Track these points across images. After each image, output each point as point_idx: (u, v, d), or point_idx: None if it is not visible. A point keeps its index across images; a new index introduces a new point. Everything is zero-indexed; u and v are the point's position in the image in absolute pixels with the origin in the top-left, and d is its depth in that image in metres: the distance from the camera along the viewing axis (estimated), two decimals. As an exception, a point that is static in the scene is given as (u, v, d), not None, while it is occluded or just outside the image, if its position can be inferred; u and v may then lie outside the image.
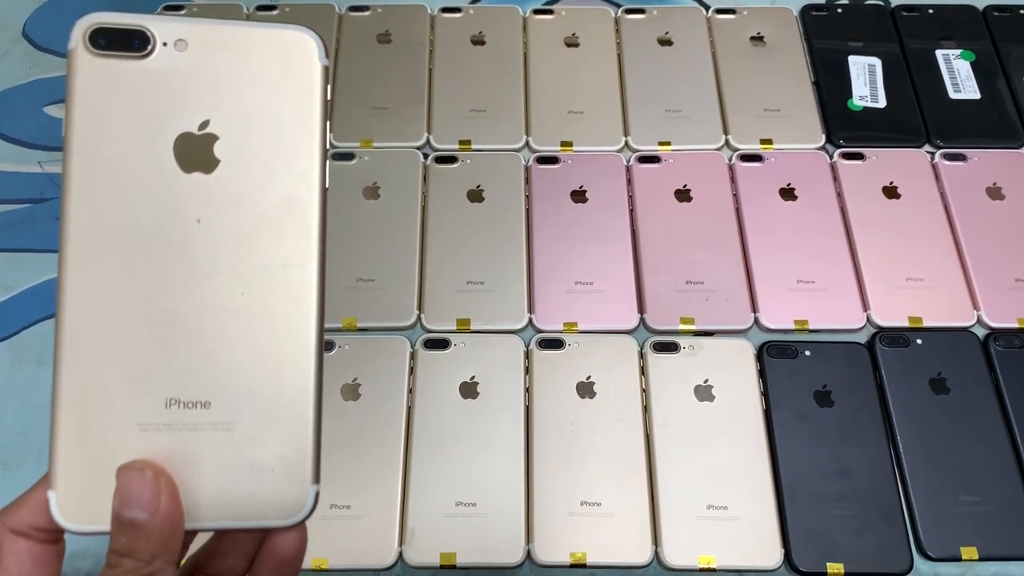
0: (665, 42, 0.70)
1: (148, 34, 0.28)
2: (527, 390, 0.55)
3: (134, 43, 0.28)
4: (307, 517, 0.28)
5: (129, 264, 0.28)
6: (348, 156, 0.64)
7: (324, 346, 0.29)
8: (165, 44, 0.28)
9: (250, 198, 0.28)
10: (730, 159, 0.65)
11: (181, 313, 0.28)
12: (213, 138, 0.28)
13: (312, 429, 0.28)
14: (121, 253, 0.28)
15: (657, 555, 0.51)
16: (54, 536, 0.28)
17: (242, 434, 0.28)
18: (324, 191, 0.29)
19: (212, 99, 0.28)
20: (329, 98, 0.29)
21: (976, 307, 0.58)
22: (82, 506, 0.27)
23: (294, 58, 0.29)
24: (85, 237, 0.27)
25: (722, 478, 0.52)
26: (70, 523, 0.27)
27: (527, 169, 0.64)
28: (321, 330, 0.29)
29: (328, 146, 0.30)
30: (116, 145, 0.28)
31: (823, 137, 0.66)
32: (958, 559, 0.51)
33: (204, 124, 0.28)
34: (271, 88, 0.29)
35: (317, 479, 0.28)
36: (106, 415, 0.27)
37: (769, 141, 0.65)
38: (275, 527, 0.28)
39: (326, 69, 0.29)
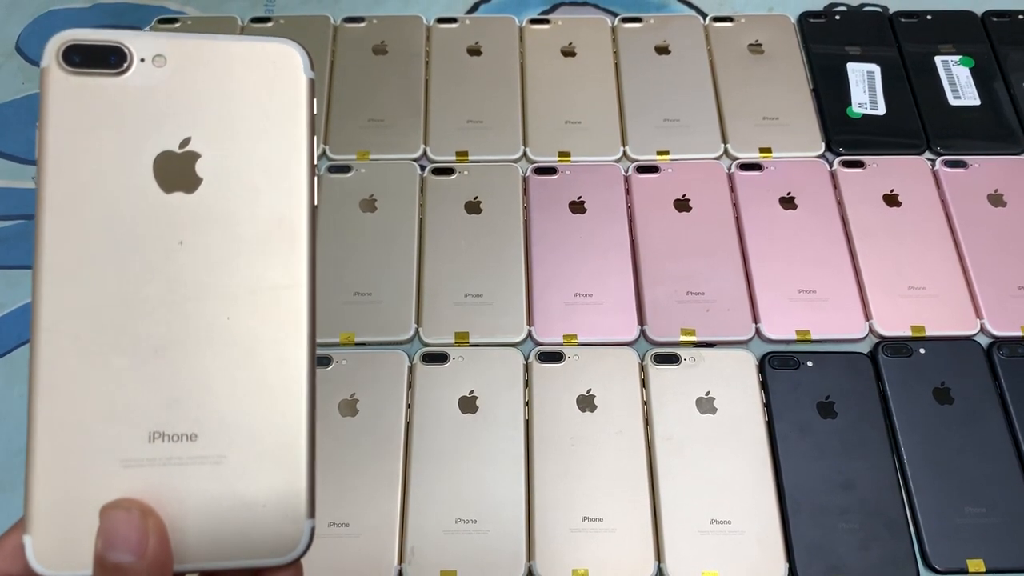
0: (663, 51, 0.70)
1: (124, 50, 0.27)
2: (527, 404, 0.55)
3: (110, 59, 0.27)
4: (303, 554, 0.27)
5: (108, 290, 0.26)
6: (344, 169, 0.63)
7: (317, 370, 0.28)
8: (143, 60, 0.27)
9: (235, 218, 0.27)
10: (729, 168, 0.64)
11: (164, 340, 0.26)
12: (195, 156, 0.27)
13: (306, 460, 0.27)
14: (99, 278, 0.26)
15: (660, 571, 0.50)
16: None
17: (232, 468, 0.26)
18: (313, 208, 0.28)
19: (193, 116, 0.27)
20: (316, 112, 0.28)
21: (979, 316, 0.58)
22: (61, 550, 0.25)
23: (278, 72, 0.28)
24: (60, 261, 0.26)
25: (725, 492, 0.52)
26: (48, 569, 0.25)
27: (525, 180, 0.64)
28: (313, 355, 0.27)
29: (316, 162, 0.29)
30: (92, 165, 0.27)
31: (822, 145, 0.65)
32: (964, 571, 0.50)
33: (185, 142, 0.27)
34: (255, 103, 0.28)
35: (312, 513, 0.27)
36: (86, 451, 0.26)
37: (768, 149, 0.65)
38: (269, 566, 0.26)
39: (312, 82, 0.28)
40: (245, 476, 0.26)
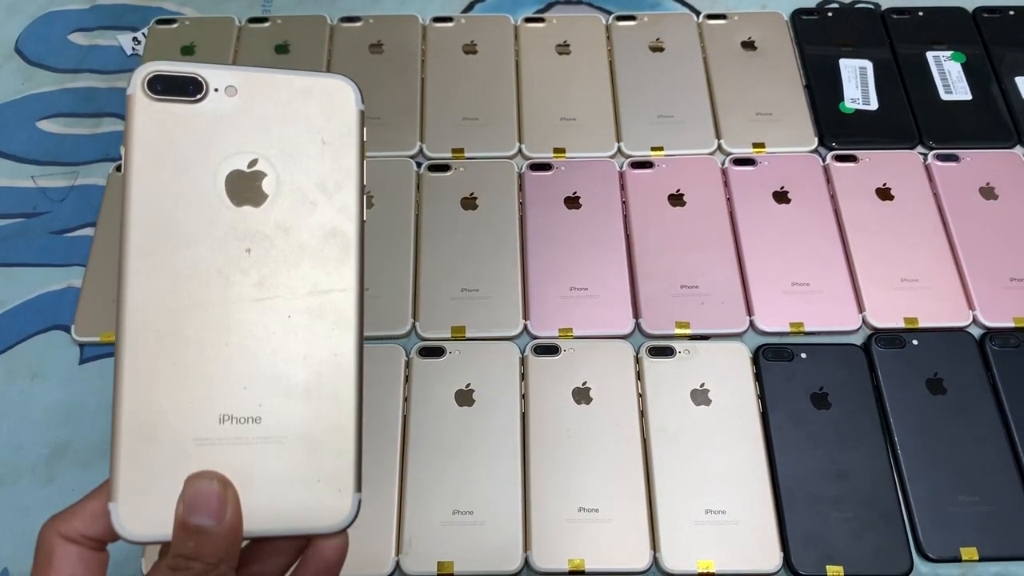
0: (656, 48, 0.71)
1: (202, 81, 0.30)
2: (523, 397, 0.55)
3: (189, 88, 0.30)
4: (351, 523, 0.30)
5: (184, 291, 0.29)
6: (341, 166, 0.64)
7: (363, 363, 0.31)
8: (216, 90, 0.31)
9: (295, 229, 0.31)
10: (723, 163, 0.65)
11: (232, 335, 0.30)
12: (261, 175, 0.31)
13: (354, 441, 0.30)
14: (176, 280, 0.29)
15: (656, 560, 0.50)
16: (101, 545, 0.29)
17: (291, 447, 0.29)
18: (362, 223, 0.31)
19: (260, 140, 0.31)
20: (365, 139, 0.32)
21: (971, 307, 0.58)
22: (141, 516, 0.28)
23: (334, 103, 0.32)
24: (144, 265, 0.29)
25: (720, 482, 0.52)
26: (131, 533, 0.28)
27: (520, 176, 0.64)
28: (361, 349, 0.31)
29: (365, 184, 0.32)
30: (172, 180, 0.30)
31: (815, 140, 0.66)
32: (958, 560, 0.50)
33: (253, 162, 0.31)
34: (314, 130, 0.31)
35: (360, 488, 0.30)
36: (165, 431, 0.29)
37: (762, 145, 0.65)
38: (321, 533, 0.30)
39: (362, 114, 0.32)
40: (302, 454, 0.30)
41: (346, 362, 0.30)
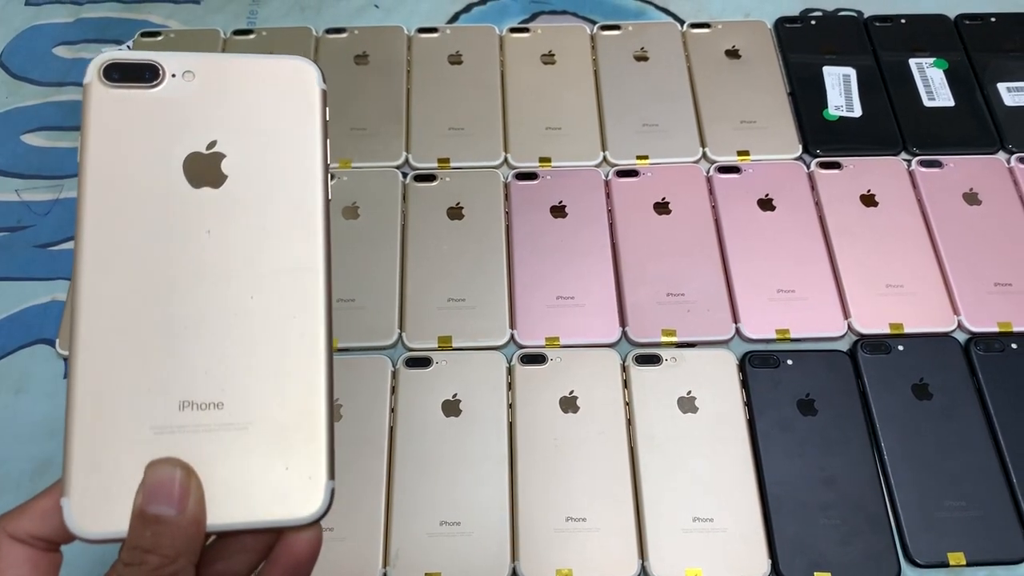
0: (641, 58, 0.71)
1: (158, 67, 0.30)
2: (510, 406, 0.55)
3: (145, 75, 0.30)
4: (324, 514, 0.28)
5: (141, 273, 0.29)
6: (327, 177, 0.64)
7: (332, 345, 0.30)
8: (174, 75, 0.30)
9: (257, 208, 0.30)
10: (708, 171, 0.65)
11: (193, 318, 0.29)
12: (220, 156, 0.30)
13: (325, 425, 0.29)
14: (134, 263, 0.29)
15: (644, 569, 0.50)
16: (53, 546, 0.28)
17: (256, 433, 0.28)
18: (327, 201, 0.31)
19: (218, 121, 0.30)
20: (328, 119, 0.31)
21: (956, 312, 0.59)
22: (96, 512, 0.27)
23: (295, 83, 0.31)
24: (100, 250, 0.29)
25: (707, 490, 0.52)
26: (84, 530, 0.27)
27: (506, 185, 0.64)
28: (330, 329, 0.30)
29: (328, 163, 0.31)
30: (128, 165, 0.29)
31: (800, 147, 0.66)
32: (945, 565, 0.51)
33: (212, 144, 0.30)
34: (274, 110, 0.31)
35: (332, 475, 0.28)
36: (121, 420, 0.27)
37: (746, 153, 0.66)
38: (292, 526, 0.28)
39: (324, 92, 0.31)
40: (269, 441, 0.28)
41: (314, 343, 0.29)
